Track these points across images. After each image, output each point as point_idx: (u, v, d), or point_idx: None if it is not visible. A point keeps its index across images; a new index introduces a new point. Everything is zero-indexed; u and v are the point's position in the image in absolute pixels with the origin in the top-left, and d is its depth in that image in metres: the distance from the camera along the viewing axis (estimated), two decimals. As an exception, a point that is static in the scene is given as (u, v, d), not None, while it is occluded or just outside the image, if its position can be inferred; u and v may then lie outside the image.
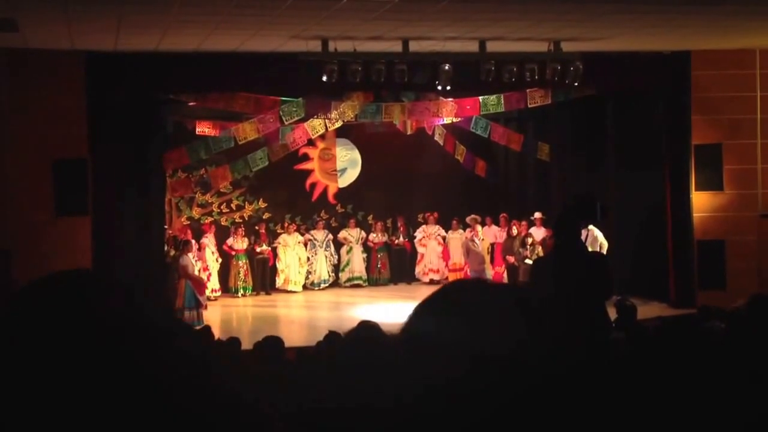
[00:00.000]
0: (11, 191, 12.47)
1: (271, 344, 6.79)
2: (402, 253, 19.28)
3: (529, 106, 16.02)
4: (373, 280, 19.02)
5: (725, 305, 8.70)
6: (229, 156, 16.79)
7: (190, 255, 14.65)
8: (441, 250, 19.07)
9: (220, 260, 17.59)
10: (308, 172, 19.27)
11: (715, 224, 14.50)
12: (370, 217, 19.50)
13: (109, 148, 13.85)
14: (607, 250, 14.18)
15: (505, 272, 16.14)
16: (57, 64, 12.49)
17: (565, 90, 14.96)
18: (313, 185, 19.33)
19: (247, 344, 8.70)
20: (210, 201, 18.37)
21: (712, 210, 14.50)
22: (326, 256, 18.67)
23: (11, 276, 12.24)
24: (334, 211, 19.44)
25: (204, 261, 16.53)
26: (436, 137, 18.55)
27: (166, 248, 15.06)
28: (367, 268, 19.05)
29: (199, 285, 14.53)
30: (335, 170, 19.44)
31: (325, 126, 16.93)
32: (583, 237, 13.93)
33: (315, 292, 18.31)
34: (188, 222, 17.69)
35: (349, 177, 19.51)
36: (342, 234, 18.92)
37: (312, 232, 18.76)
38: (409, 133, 18.40)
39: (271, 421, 1.21)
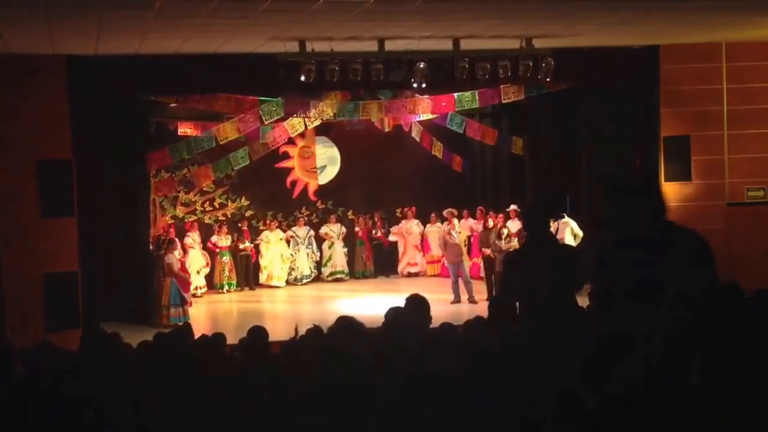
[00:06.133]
0: (-3, 194, 12.65)
1: (258, 335, 7.07)
2: (380, 248, 19.65)
3: (503, 101, 16.34)
4: (357, 273, 19.37)
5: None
6: (211, 155, 17.06)
7: (175, 253, 14.87)
8: (420, 242, 19.51)
9: (208, 263, 17.86)
10: (289, 170, 19.54)
11: (684, 213, 14.71)
12: (350, 213, 19.83)
13: (93, 150, 14.09)
14: (581, 240, 14.54)
15: (482, 263, 16.49)
16: (39, 67, 12.62)
17: (537, 85, 15.26)
18: (294, 182, 19.61)
19: (232, 339, 8.93)
20: (193, 200, 18.63)
21: (681, 200, 14.80)
22: (308, 254, 18.97)
23: (-1, 278, 12.48)
24: (314, 208, 19.74)
25: (186, 262, 16.48)
26: (413, 134, 18.88)
27: (151, 247, 15.29)
28: (349, 262, 19.38)
29: (184, 283, 14.77)
30: (315, 167, 19.71)
31: (305, 124, 17.22)
32: (556, 229, 14.35)
33: (298, 287, 18.60)
34: (172, 221, 17.94)
35: (328, 174, 19.79)
36: (323, 229, 19.23)
37: (293, 228, 19.06)
38: (386, 130, 18.72)
39: None
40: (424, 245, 19.51)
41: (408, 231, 19.44)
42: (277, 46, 12.32)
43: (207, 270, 17.89)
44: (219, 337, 8.09)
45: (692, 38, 14.08)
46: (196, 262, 17.31)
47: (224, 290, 18.06)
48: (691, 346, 4.95)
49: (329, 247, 19.19)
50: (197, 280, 17.34)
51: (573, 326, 7.02)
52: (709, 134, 14.81)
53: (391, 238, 19.56)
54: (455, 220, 16.82)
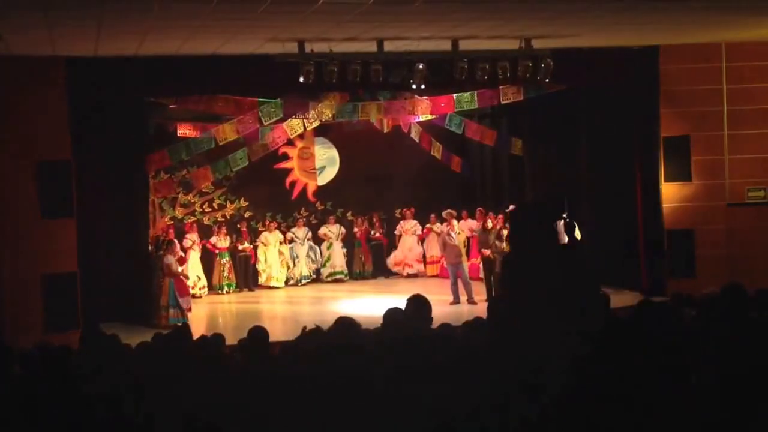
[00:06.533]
0: (-3, 194, 12.66)
1: (258, 335, 7.06)
2: (378, 248, 19.65)
3: (502, 102, 16.32)
4: (355, 274, 19.36)
5: (695, 293, 9.00)
6: (210, 156, 17.06)
7: (174, 253, 14.84)
8: (417, 244, 19.52)
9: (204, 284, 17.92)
10: (288, 171, 19.53)
11: (684, 214, 14.82)
12: (349, 214, 19.84)
13: (93, 151, 14.09)
14: (580, 241, 14.52)
15: (481, 264, 16.48)
16: (39, 68, 12.65)
17: (536, 86, 15.24)
18: (293, 183, 19.60)
19: (232, 340, 8.92)
20: (192, 201, 18.61)
21: (681, 200, 14.82)
22: (306, 263, 18.95)
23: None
24: (313, 209, 19.74)
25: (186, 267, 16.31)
26: (412, 135, 18.87)
27: (150, 248, 15.28)
28: (348, 263, 19.38)
29: (182, 285, 14.74)
30: (314, 168, 19.71)
31: (304, 125, 17.20)
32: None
33: (297, 288, 18.59)
34: (171, 222, 17.94)
35: (327, 175, 19.79)
36: (322, 230, 19.24)
37: (292, 229, 19.06)
38: (385, 131, 18.71)
39: None
40: (422, 238, 19.52)
41: (406, 231, 19.43)
42: (276, 47, 12.32)
43: (206, 291, 17.87)
44: (218, 338, 8.09)
45: (692, 38, 14.09)
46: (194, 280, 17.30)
47: (223, 291, 18.06)
48: (693, 346, 4.94)
49: (328, 248, 19.20)
50: (196, 284, 17.37)
51: (572, 327, 7.01)
52: (709, 134, 14.82)
53: (399, 245, 19.53)
54: (454, 221, 16.85)
